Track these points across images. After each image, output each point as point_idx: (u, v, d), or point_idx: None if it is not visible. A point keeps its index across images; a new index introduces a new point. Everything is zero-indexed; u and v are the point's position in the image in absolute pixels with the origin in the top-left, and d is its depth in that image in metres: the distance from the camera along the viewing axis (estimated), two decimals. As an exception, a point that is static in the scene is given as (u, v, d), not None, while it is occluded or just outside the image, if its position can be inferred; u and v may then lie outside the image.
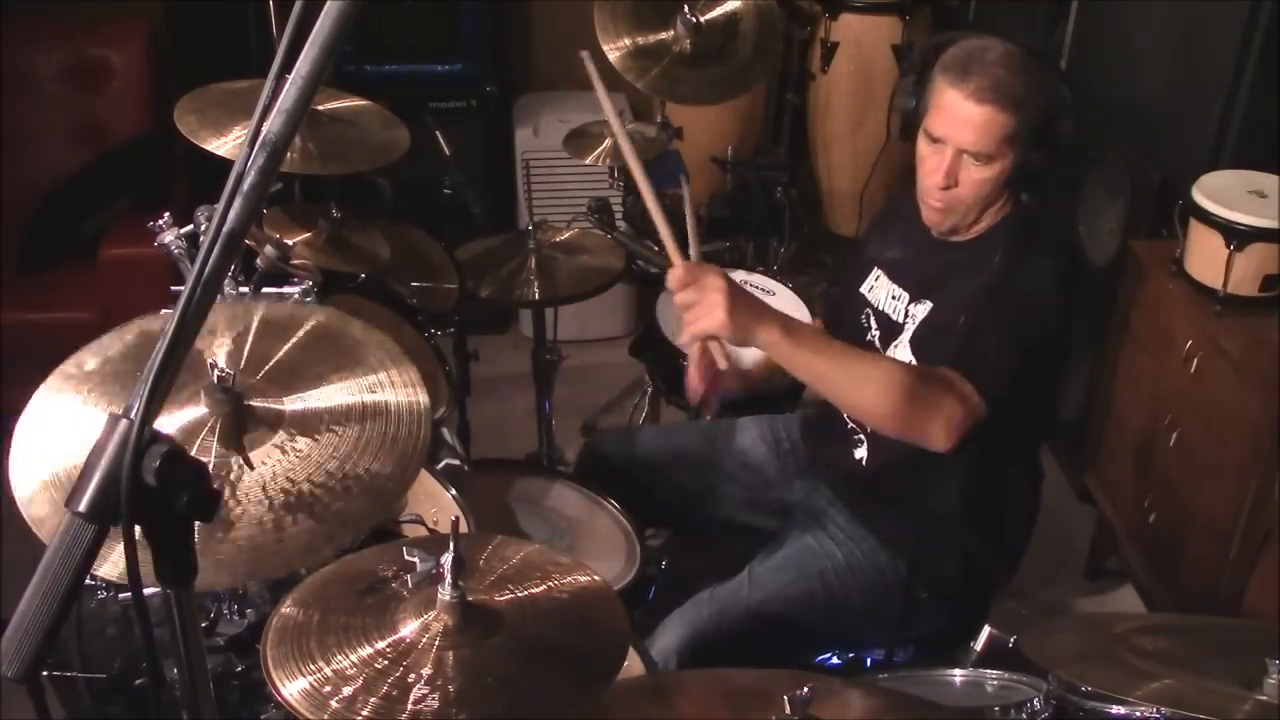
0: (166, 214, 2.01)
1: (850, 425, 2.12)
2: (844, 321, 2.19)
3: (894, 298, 2.07)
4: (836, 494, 2.17)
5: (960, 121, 1.87)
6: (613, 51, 2.76)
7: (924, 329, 2.00)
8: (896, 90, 2.07)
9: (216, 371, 1.34)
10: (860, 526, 2.11)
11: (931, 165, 1.92)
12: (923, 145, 1.94)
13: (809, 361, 1.74)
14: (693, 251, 1.83)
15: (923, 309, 2.01)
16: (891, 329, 2.06)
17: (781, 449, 2.32)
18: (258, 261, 2.01)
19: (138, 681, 1.76)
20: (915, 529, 2.04)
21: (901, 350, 2.02)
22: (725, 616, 2.03)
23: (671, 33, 2.79)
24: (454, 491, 2.06)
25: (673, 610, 2.07)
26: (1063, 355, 2.00)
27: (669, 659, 1.96)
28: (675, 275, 1.68)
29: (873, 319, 2.10)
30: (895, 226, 2.14)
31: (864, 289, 2.14)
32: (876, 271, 2.13)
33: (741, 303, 1.66)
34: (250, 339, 1.47)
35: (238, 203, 0.95)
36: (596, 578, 1.44)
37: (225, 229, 0.95)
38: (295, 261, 2.08)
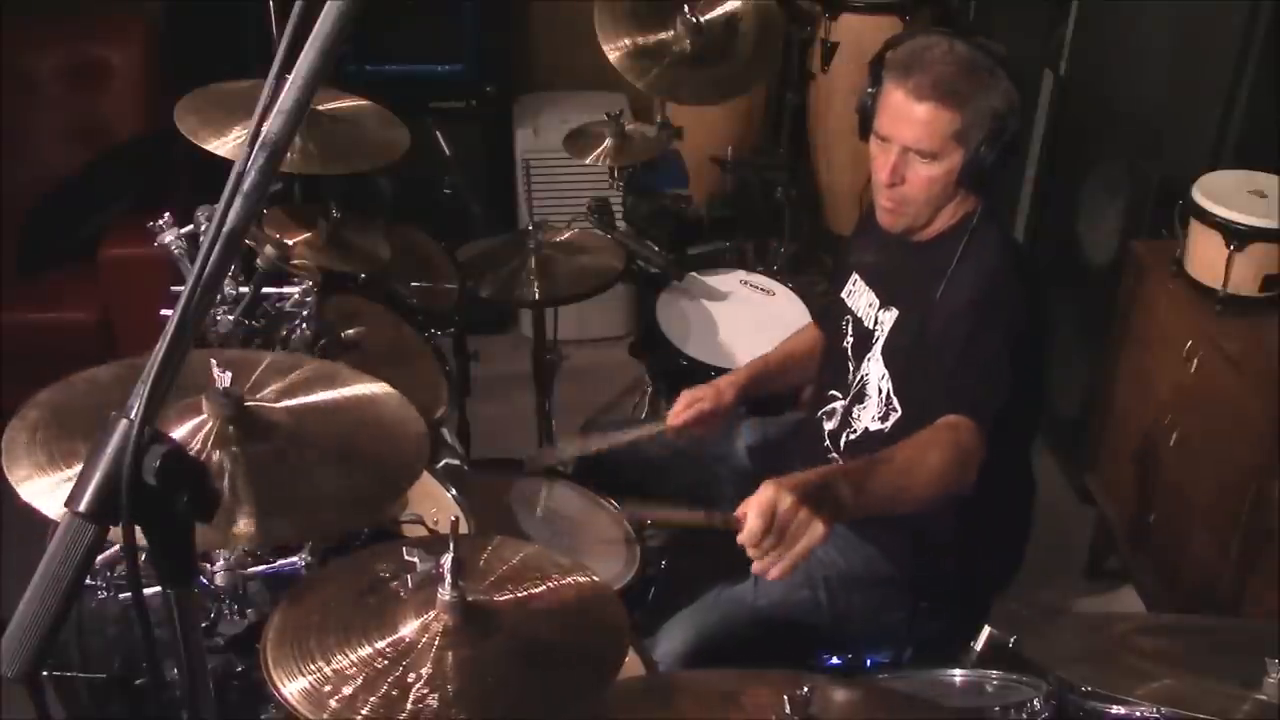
0: (167, 214, 2.00)
1: (826, 443, 2.13)
2: (827, 325, 2.21)
3: (869, 305, 2.09)
4: None
5: (903, 119, 1.88)
6: (613, 51, 2.75)
7: (893, 339, 2.01)
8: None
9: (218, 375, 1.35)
10: (858, 536, 2.10)
11: (880, 163, 1.95)
12: (873, 144, 1.97)
13: (872, 504, 1.71)
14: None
15: (890, 316, 2.02)
16: (865, 338, 2.07)
17: (776, 452, 2.32)
18: (258, 261, 2.01)
19: (138, 681, 1.76)
20: (911, 540, 2.04)
21: (875, 363, 2.03)
22: (730, 621, 2.03)
23: (671, 33, 2.78)
24: (454, 491, 2.06)
25: (673, 611, 2.07)
26: (1034, 352, 1.98)
27: (673, 663, 1.96)
28: (750, 530, 1.58)
29: (850, 326, 2.12)
30: (870, 230, 2.15)
31: (844, 294, 2.16)
32: (854, 276, 2.15)
33: (813, 498, 1.57)
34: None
35: (238, 203, 0.95)
36: (596, 578, 1.44)
37: (225, 229, 0.95)
38: (295, 261, 2.08)
